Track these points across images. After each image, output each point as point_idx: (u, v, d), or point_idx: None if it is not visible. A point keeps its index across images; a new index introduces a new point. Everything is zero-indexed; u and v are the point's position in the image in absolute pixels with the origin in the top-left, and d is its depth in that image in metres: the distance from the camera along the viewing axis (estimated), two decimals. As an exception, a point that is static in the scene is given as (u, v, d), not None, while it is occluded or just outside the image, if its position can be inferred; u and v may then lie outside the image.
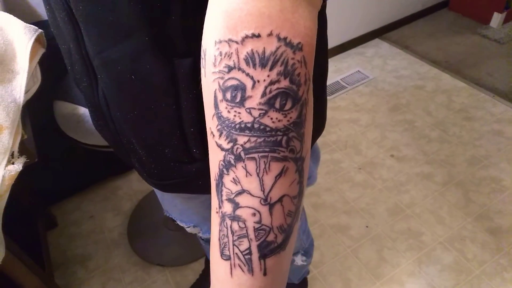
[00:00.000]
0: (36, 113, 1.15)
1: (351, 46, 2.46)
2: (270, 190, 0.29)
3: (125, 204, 1.69)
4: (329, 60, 2.32)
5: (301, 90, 0.29)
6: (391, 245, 1.45)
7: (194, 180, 0.57)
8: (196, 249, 1.47)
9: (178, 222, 0.95)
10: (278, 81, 0.28)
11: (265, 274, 0.31)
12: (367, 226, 1.52)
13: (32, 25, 0.67)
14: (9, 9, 1.09)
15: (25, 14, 1.25)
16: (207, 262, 1.37)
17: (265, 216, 0.29)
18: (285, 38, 0.27)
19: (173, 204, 0.91)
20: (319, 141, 1.94)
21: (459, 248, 1.42)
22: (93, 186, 1.75)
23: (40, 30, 0.68)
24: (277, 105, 0.28)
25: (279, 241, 0.31)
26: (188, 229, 0.95)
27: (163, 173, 0.58)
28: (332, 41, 2.36)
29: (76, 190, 1.74)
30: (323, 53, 0.59)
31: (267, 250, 0.30)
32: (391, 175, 1.71)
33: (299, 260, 1.03)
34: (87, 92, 0.54)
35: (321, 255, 1.44)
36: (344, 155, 1.82)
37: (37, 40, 0.68)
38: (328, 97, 2.11)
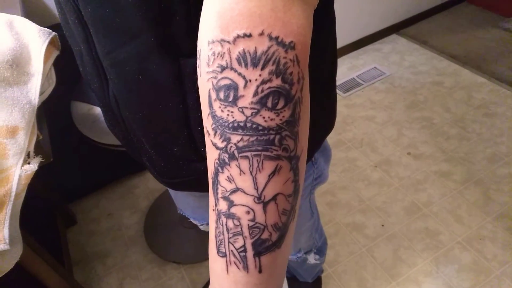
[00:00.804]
0: (56, 114, 1.18)
1: (367, 42, 2.42)
2: (264, 188, 0.29)
3: (141, 202, 1.71)
4: (345, 57, 2.30)
5: (294, 89, 0.29)
6: (408, 244, 1.43)
7: (204, 178, 0.58)
8: (211, 247, 1.48)
9: (191, 220, 0.96)
10: (270, 80, 0.28)
11: (260, 271, 0.31)
12: (383, 225, 1.50)
13: (46, 28, 0.69)
14: (28, 12, 1.12)
15: (44, 17, 1.28)
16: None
17: (259, 214, 0.30)
18: (276, 37, 0.27)
19: (186, 202, 0.92)
20: (334, 139, 1.92)
21: (478, 248, 1.39)
22: (111, 185, 1.79)
23: (54, 33, 0.70)
24: (269, 104, 0.28)
25: (274, 239, 0.31)
26: (201, 227, 0.96)
27: (173, 172, 0.59)
28: (348, 38, 2.33)
29: (94, 188, 1.78)
30: (332, 49, 0.58)
31: (261, 248, 0.30)
32: (408, 173, 1.68)
33: (312, 258, 1.03)
34: (99, 92, 0.56)
35: (336, 254, 1.43)
36: (359, 153, 1.80)
37: (51, 43, 0.70)
38: (343, 95, 2.10)
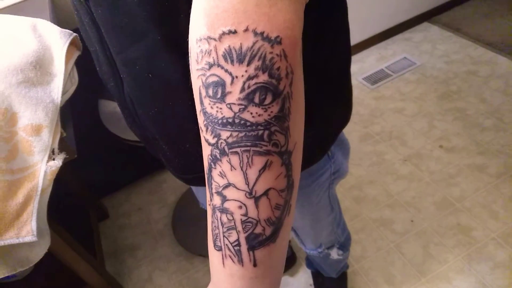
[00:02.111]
0: (87, 112, 1.23)
1: (397, 31, 2.34)
2: (255, 183, 0.29)
3: (169, 197, 1.76)
4: (373, 48, 2.25)
5: (282, 84, 0.28)
6: (438, 240, 1.38)
7: None
8: (236, 241, 1.49)
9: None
10: (256, 76, 0.28)
11: (255, 265, 0.31)
12: (412, 221, 1.46)
13: (67, 30, 0.71)
14: (57, 15, 1.17)
15: (72, 19, 1.34)
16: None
17: (251, 209, 0.30)
18: (262, 33, 0.27)
19: (206, 197, 0.93)
20: (361, 132, 1.89)
21: (515, 244, 1.32)
22: (141, 180, 1.84)
23: (74, 34, 0.73)
24: (256, 100, 0.28)
25: (268, 234, 0.31)
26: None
27: (187, 168, 0.60)
28: (376, 28, 2.27)
29: (125, 184, 1.84)
30: (343, 41, 0.57)
31: (255, 242, 0.31)
32: (439, 166, 1.62)
33: (335, 254, 1.02)
34: (115, 91, 0.57)
35: (362, 250, 1.40)
36: (388, 146, 1.75)
37: (72, 44, 0.73)
38: (371, 87, 2.05)
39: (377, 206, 1.53)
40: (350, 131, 1.81)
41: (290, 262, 1.39)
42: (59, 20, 1.16)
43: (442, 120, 1.80)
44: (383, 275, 1.33)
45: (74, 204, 1.59)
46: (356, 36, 2.24)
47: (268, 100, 0.28)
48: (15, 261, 0.63)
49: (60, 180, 1.47)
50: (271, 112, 0.28)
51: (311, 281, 1.34)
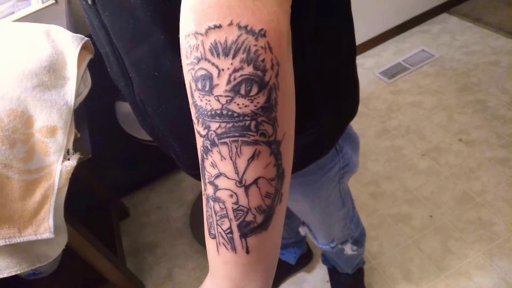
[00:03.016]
0: (107, 113, 1.27)
1: (414, 24, 2.30)
2: (244, 172, 0.30)
3: (188, 195, 1.79)
4: (390, 41, 2.21)
5: (268, 75, 0.29)
6: (458, 235, 1.35)
7: None
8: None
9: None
10: (241, 68, 0.28)
11: (247, 252, 0.32)
12: (431, 216, 1.43)
13: (79, 35, 0.74)
14: (74, 21, 1.21)
15: (87, 25, 1.38)
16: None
17: (241, 198, 0.31)
18: (245, 26, 0.28)
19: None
20: (378, 127, 1.86)
21: (539, 239, 1.28)
22: (160, 179, 1.88)
23: (86, 38, 0.75)
24: (242, 91, 0.29)
25: (259, 221, 0.32)
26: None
27: (197, 164, 0.61)
28: (392, 21, 2.23)
29: (145, 183, 1.88)
30: (348, 31, 0.57)
31: (247, 229, 0.32)
32: (459, 160, 1.58)
33: (348, 249, 1.01)
34: (125, 91, 0.59)
35: (379, 246, 1.39)
36: (406, 141, 1.72)
37: (85, 48, 0.76)
38: (388, 81, 2.02)
39: (395, 201, 1.51)
40: (367, 127, 1.79)
41: (307, 259, 1.39)
42: (76, 25, 1.20)
43: (462, 112, 1.76)
44: (401, 271, 1.31)
45: (96, 204, 1.64)
46: (373, 30, 2.21)
47: (254, 91, 0.29)
48: (34, 257, 0.66)
49: (83, 181, 1.52)
50: (258, 103, 0.29)
51: (327, 278, 1.34)
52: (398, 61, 2.12)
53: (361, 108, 1.90)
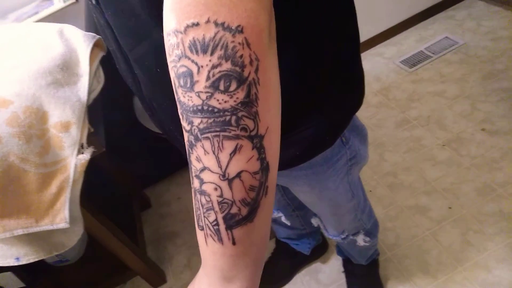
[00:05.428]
0: (128, 108, 1.31)
1: (438, 10, 2.22)
2: (227, 166, 0.31)
3: (206, 187, 1.82)
4: (412, 29, 2.16)
5: (247, 70, 0.30)
6: (478, 227, 1.32)
7: None
8: (269, 229, 1.52)
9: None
10: (219, 64, 0.29)
11: (234, 243, 0.33)
12: (450, 207, 1.40)
13: (91, 33, 0.77)
14: (91, 20, 1.25)
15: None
16: (278, 242, 1.42)
17: (225, 191, 0.32)
18: (222, 23, 0.29)
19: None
20: (397, 117, 1.83)
21: None
22: (180, 170, 1.93)
23: (98, 37, 0.78)
24: (221, 87, 0.30)
25: (244, 214, 0.33)
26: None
27: None
28: (414, 8, 2.17)
29: (166, 174, 1.93)
30: (351, 23, 0.57)
31: (232, 221, 0.33)
32: (481, 151, 1.53)
33: (361, 240, 1.01)
34: (133, 87, 0.62)
35: (396, 238, 1.38)
36: (426, 131, 1.68)
37: (97, 45, 0.79)
38: (409, 70, 1.97)
39: (413, 193, 1.49)
40: (386, 117, 1.76)
41: (322, 250, 1.40)
42: (92, 24, 1.24)
43: (486, 101, 1.70)
44: (418, 263, 1.30)
45: (119, 195, 1.70)
46: (395, 17, 2.15)
47: (233, 87, 0.30)
48: (51, 245, 0.71)
49: (106, 173, 1.57)
50: (237, 98, 0.30)
51: (342, 268, 1.34)
52: (420, 49, 2.06)
53: (380, 98, 1.87)
